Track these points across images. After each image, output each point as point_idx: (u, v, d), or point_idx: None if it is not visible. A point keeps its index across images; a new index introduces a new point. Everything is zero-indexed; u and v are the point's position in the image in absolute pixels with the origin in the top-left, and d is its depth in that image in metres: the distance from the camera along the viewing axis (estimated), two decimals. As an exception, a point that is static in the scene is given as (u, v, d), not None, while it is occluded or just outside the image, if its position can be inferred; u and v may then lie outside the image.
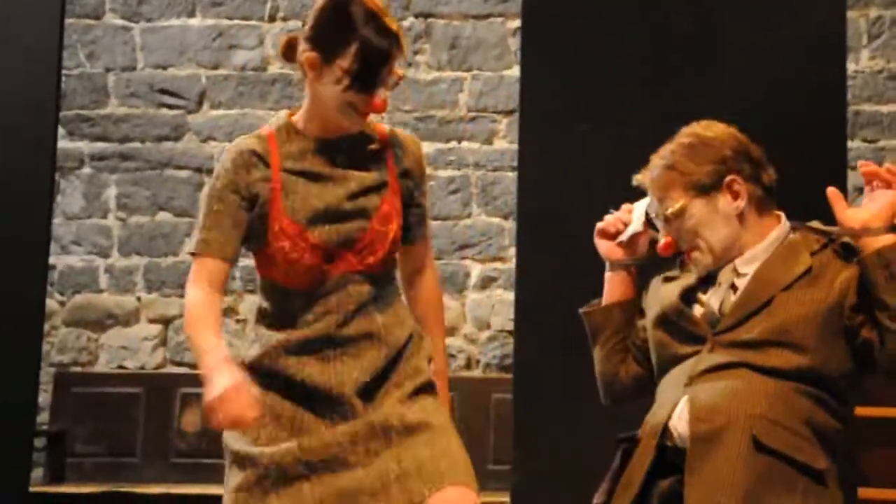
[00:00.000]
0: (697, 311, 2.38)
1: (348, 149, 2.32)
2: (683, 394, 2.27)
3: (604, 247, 2.53)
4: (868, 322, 2.26)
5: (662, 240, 2.40)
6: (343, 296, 2.27)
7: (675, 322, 2.38)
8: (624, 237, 2.51)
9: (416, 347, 2.33)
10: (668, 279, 2.50)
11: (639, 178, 2.47)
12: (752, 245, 2.39)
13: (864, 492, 3.09)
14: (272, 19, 5.17)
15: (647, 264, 2.54)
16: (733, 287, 2.37)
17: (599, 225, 2.53)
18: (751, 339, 2.28)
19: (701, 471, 2.18)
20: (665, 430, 2.25)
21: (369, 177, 2.31)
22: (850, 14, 4.60)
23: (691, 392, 2.25)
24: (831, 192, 2.30)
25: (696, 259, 2.38)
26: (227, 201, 2.26)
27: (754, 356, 2.27)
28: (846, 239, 2.33)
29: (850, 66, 4.64)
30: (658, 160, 2.43)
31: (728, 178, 2.38)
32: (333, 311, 2.26)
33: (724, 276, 2.40)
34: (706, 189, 2.37)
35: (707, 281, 2.42)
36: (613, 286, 2.54)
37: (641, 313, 2.54)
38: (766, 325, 2.28)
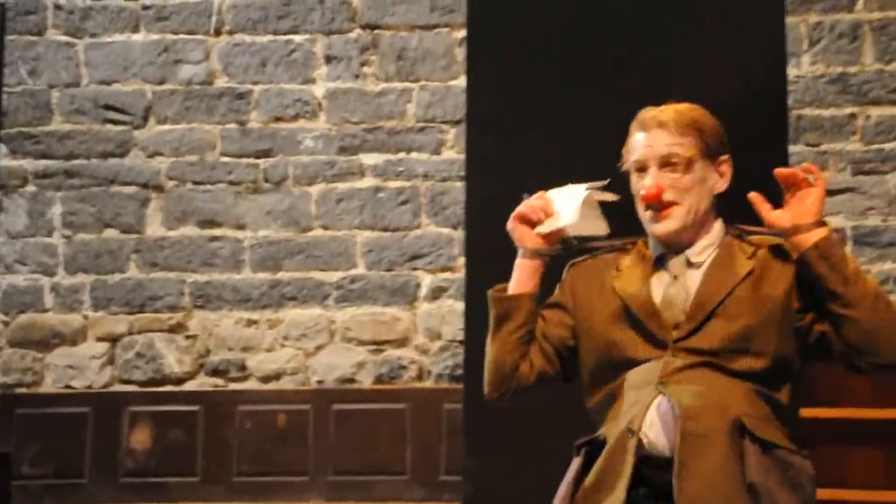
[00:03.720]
0: (657, 303, 2.35)
1: None
2: (655, 395, 2.24)
3: (522, 232, 2.43)
4: (817, 318, 2.27)
5: (650, 185, 2.33)
6: None
7: (638, 322, 2.33)
8: (552, 227, 2.42)
9: None
10: (604, 271, 2.44)
11: (649, 114, 2.38)
12: (702, 236, 2.39)
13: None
14: (218, 33, 5.13)
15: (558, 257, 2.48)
16: (687, 281, 2.35)
17: (520, 210, 2.43)
18: (711, 347, 2.27)
19: (695, 470, 2.15)
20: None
21: None
22: (791, 20, 4.65)
23: (667, 392, 2.23)
24: (753, 196, 2.31)
25: (670, 216, 2.34)
26: None
27: (718, 360, 2.27)
28: (776, 241, 2.35)
29: (792, 72, 4.69)
30: (674, 108, 2.39)
31: (723, 157, 2.38)
32: None
33: (678, 267, 2.38)
34: (711, 155, 2.34)
35: (657, 270, 2.39)
36: (524, 275, 2.42)
37: (557, 307, 2.47)
38: (726, 333, 2.26)
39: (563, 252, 2.44)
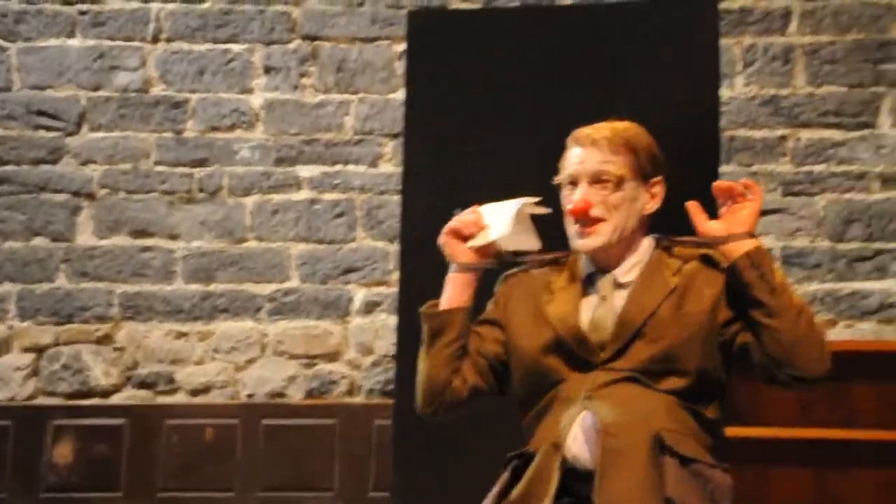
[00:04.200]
0: (584, 327, 2.36)
1: None
2: (581, 409, 2.26)
3: (454, 247, 2.44)
4: (741, 329, 2.31)
5: (578, 199, 2.34)
6: None
7: (568, 349, 2.35)
8: (484, 241, 2.42)
9: None
10: (535, 288, 2.45)
11: (584, 132, 2.40)
12: (629, 255, 2.42)
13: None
14: (155, 40, 5.08)
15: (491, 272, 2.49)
16: (614, 302, 2.37)
17: (452, 225, 2.44)
18: (635, 367, 2.30)
19: (614, 484, 2.17)
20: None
21: None
22: (726, 42, 4.71)
23: (592, 407, 2.25)
24: (691, 204, 2.35)
25: (596, 232, 2.36)
26: None
27: (642, 377, 2.29)
28: (707, 251, 2.38)
29: (726, 93, 4.75)
30: (610, 126, 2.41)
31: (657, 178, 2.40)
32: None
33: (605, 288, 2.40)
34: (644, 175, 2.39)
35: (586, 291, 2.41)
36: (457, 289, 2.43)
37: (491, 323, 2.48)
38: (650, 353, 2.30)
39: (495, 266, 2.45)
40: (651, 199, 2.41)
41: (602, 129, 2.42)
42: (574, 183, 2.39)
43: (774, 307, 2.25)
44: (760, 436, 3.88)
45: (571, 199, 2.37)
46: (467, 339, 2.43)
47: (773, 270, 2.30)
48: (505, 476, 2.33)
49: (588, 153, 2.38)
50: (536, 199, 2.45)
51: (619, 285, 2.39)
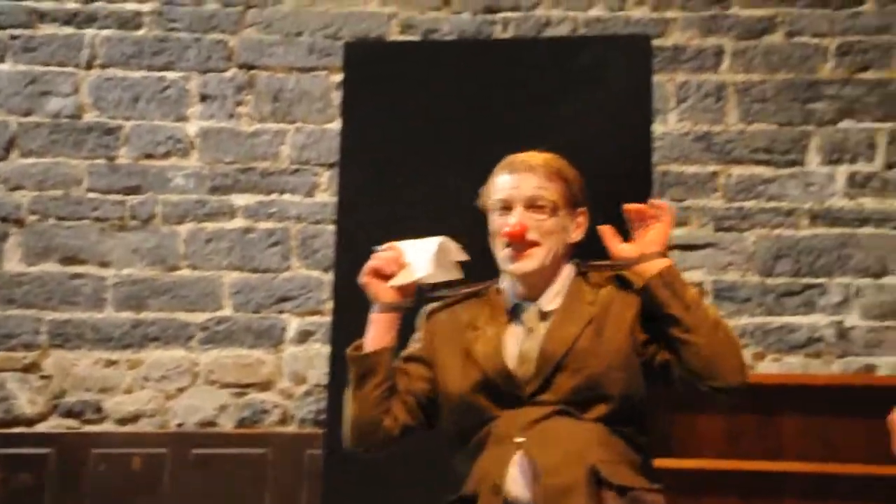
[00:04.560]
0: (512, 362, 2.38)
1: None
2: (514, 449, 2.27)
3: (376, 287, 2.43)
4: (660, 347, 2.35)
5: (516, 222, 2.36)
6: None
7: (496, 387, 2.37)
8: (408, 279, 2.43)
9: None
10: (460, 322, 2.46)
11: (519, 158, 2.43)
12: (553, 282, 2.45)
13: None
14: (89, 66, 5.03)
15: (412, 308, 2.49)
16: (539, 333, 2.40)
17: (372, 264, 2.44)
18: (561, 398, 2.32)
19: None
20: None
21: None
22: (659, 78, 4.78)
23: (525, 447, 2.26)
24: (604, 228, 2.39)
25: (531, 255, 2.38)
26: None
27: (570, 408, 2.31)
28: (622, 273, 2.42)
29: (659, 128, 4.82)
30: (543, 155, 2.44)
31: (582, 209, 2.44)
32: None
33: (531, 320, 2.42)
34: (571, 204, 2.42)
35: (512, 321, 2.43)
36: (382, 329, 2.43)
37: (417, 361, 2.49)
38: (573, 384, 2.32)
39: (418, 303, 2.45)
40: (577, 229, 2.45)
41: (536, 157, 2.45)
42: (507, 207, 2.41)
43: (690, 323, 2.30)
44: (691, 467, 3.92)
45: (506, 222, 2.40)
46: (394, 377, 2.44)
47: (685, 286, 2.35)
48: None
49: (523, 178, 2.41)
50: (456, 245, 2.47)
51: (543, 315, 2.42)
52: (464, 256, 2.46)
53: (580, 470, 2.24)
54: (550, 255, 2.41)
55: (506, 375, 2.35)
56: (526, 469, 2.26)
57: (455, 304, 2.50)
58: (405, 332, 2.51)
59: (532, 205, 2.40)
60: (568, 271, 2.47)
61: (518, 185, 2.41)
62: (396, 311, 2.44)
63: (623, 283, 2.43)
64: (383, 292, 2.42)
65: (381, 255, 2.43)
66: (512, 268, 2.40)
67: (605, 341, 2.35)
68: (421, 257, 2.42)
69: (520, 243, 2.38)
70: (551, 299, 2.43)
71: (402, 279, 2.41)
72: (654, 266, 2.34)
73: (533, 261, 2.39)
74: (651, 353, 2.36)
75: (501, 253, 2.42)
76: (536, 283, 2.43)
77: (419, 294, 2.45)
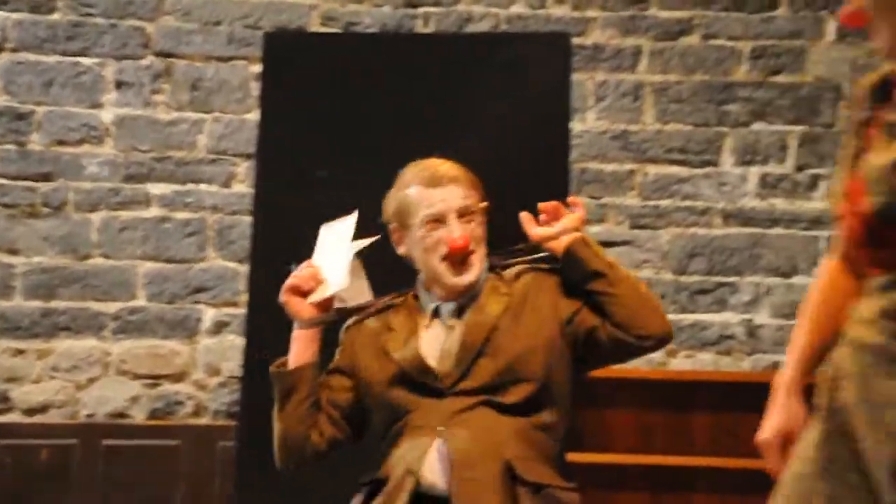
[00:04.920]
0: (431, 360, 2.42)
1: None
2: (434, 437, 2.30)
3: (294, 304, 2.47)
4: (586, 315, 2.40)
5: (459, 235, 2.40)
6: None
7: (415, 381, 2.39)
8: (324, 295, 2.46)
9: None
10: (378, 330, 2.50)
11: (439, 171, 2.45)
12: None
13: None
14: (0, 50, 4.92)
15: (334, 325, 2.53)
16: (458, 329, 2.44)
17: (291, 282, 2.47)
18: (482, 385, 2.35)
19: None
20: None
21: None
22: (579, 76, 4.83)
23: (445, 436, 2.29)
24: (523, 215, 2.45)
25: (470, 264, 2.43)
26: None
27: (492, 396, 2.35)
28: (539, 258, 2.48)
29: (578, 126, 4.86)
30: (451, 163, 2.48)
31: (483, 204, 2.49)
32: None
33: (450, 318, 2.46)
34: (483, 206, 2.47)
35: (433, 318, 2.47)
36: (303, 345, 2.48)
37: (339, 372, 2.52)
38: (493, 369, 2.37)
39: (336, 318, 2.48)
40: (485, 226, 2.51)
41: (451, 167, 2.50)
42: (439, 221, 2.45)
43: (613, 277, 2.38)
44: (603, 462, 3.97)
45: (445, 236, 2.43)
46: (319, 393, 2.46)
47: (602, 250, 2.43)
48: (358, 500, 2.36)
49: (449, 190, 2.46)
50: (369, 242, 2.50)
51: (460, 312, 2.45)
52: (372, 238, 2.50)
53: (496, 465, 2.28)
54: (482, 262, 2.46)
55: (421, 367, 2.38)
56: (444, 458, 2.29)
57: (373, 314, 2.53)
58: (329, 347, 2.53)
59: (463, 214, 2.45)
60: (485, 268, 2.52)
61: (445, 196, 2.46)
62: (317, 326, 2.47)
63: (538, 271, 2.49)
64: (302, 309, 2.46)
65: (299, 273, 2.46)
66: (458, 280, 2.45)
67: (524, 325, 2.40)
68: (335, 272, 2.45)
69: (465, 255, 2.42)
70: (469, 296, 2.47)
71: (319, 295, 2.45)
72: (575, 235, 2.41)
73: (473, 270, 2.45)
74: (577, 323, 2.41)
75: (440, 267, 2.45)
76: (471, 288, 2.47)
77: (339, 311, 2.48)
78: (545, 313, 2.42)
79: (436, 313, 2.49)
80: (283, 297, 2.47)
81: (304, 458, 2.47)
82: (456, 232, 2.43)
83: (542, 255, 2.48)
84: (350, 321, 2.57)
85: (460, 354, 2.39)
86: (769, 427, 1.94)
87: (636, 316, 2.37)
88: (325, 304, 2.48)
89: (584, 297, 2.41)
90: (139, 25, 4.97)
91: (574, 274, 2.41)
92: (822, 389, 1.74)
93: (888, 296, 1.68)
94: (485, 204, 2.49)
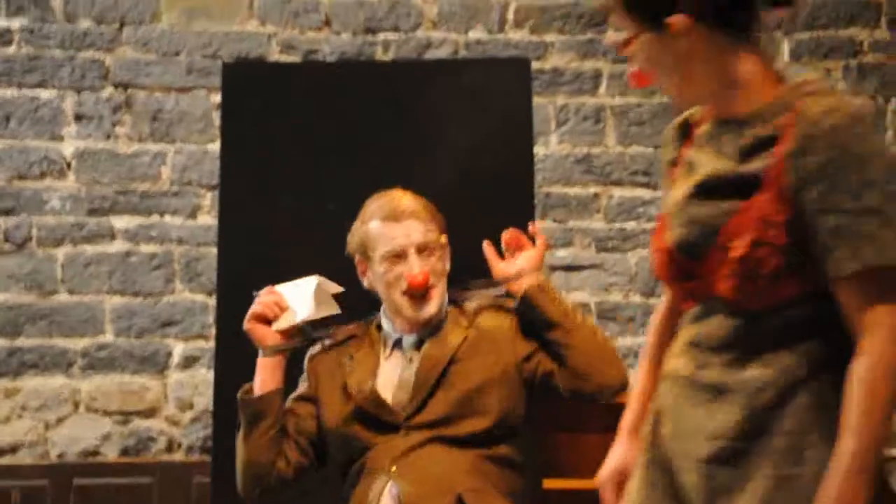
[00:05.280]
0: (388, 391, 2.43)
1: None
2: (387, 479, 2.31)
3: (259, 332, 2.49)
4: (542, 358, 2.41)
5: (419, 271, 2.41)
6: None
7: (369, 415, 2.41)
8: (290, 322, 2.48)
9: None
10: (340, 360, 2.50)
11: (400, 206, 2.46)
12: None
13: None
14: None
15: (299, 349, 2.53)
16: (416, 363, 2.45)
17: (255, 310, 2.49)
18: (436, 418, 2.36)
19: None
20: None
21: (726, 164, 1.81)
22: (540, 100, 4.85)
23: (395, 476, 2.30)
24: (486, 246, 2.48)
25: (430, 298, 2.45)
26: None
27: (445, 430, 2.36)
28: (498, 293, 2.50)
29: (541, 150, 4.89)
30: (411, 196, 2.49)
31: (445, 238, 2.50)
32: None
33: (410, 350, 2.47)
34: (444, 240, 2.49)
35: (392, 354, 2.48)
36: (268, 372, 2.50)
37: (305, 400, 2.53)
38: (447, 402, 2.38)
39: (302, 344, 2.49)
40: (448, 260, 2.52)
41: (411, 201, 2.52)
42: (399, 256, 2.46)
43: (569, 325, 2.39)
44: (578, 487, 3.95)
45: (405, 271, 2.45)
46: (285, 419, 2.47)
47: (560, 296, 2.44)
48: None
49: (409, 225, 2.49)
50: (330, 282, 2.51)
51: (419, 345, 2.47)
52: (339, 288, 2.50)
53: (447, 499, 2.28)
54: (443, 295, 2.48)
55: (377, 403, 2.40)
56: (395, 498, 2.30)
57: (337, 344, 2.54)
58: (294, 374, 2.53)
59: (423, 249, 2.47)
60: (445, 300, 2.53)
61: (406, 232, 2.49)
62: (281, 353, 2.48)
63: (497, 308, 2.50)
64: (267, 336, 2.48)
65: (262, 300, 2.47)
66: (419, 314, 2.48)
67: (481, 359, 2.42)
68: (301, 299, 2.47)
69: (425, 290, 2.45)
70: (430, 329, 2.48)
71: (284, 322, 2.46)
72: (532, 279, 2.43)
73: (433, 304, 2.48)
74: (533, 366, 2.42)
75: (400, 300, 2.48)
76: (431, 321, 2.49)
77: (304, 335, 2.49)
78: (503, 348, 2.44)
79: (397, 344, 2.51)
80: (247, 324, 2.49)
81: (269, 484, 2.49)
82: (415, 268, 2.45)
83: (502, 289, 2.50)
84: (314, 350, 2.58)
85: (416, 387, 2.40)
86: (606, 467, 2.03)
87: (592, 366, 2.39)
88: (290, 331, 2.49)
89: (543, 337, 2.43)
90: (97, 57, 4.96)
91: (531, 319, 2.43)
92: (647, 423, 1.82)
93: (696, 326, 1.75)
94: (444, 238, 2.51)
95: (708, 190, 1.78)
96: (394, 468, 2.34)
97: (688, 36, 1.79)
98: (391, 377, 2.46)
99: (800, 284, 1.69)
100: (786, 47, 5.01)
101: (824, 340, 1.69)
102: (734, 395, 1.71)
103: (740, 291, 1.71)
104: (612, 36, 1.92)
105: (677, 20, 1.78)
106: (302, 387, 2.57)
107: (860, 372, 1.62)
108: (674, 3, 1.80)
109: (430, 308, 2.48)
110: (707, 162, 1.82)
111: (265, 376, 2.50)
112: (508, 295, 2.51)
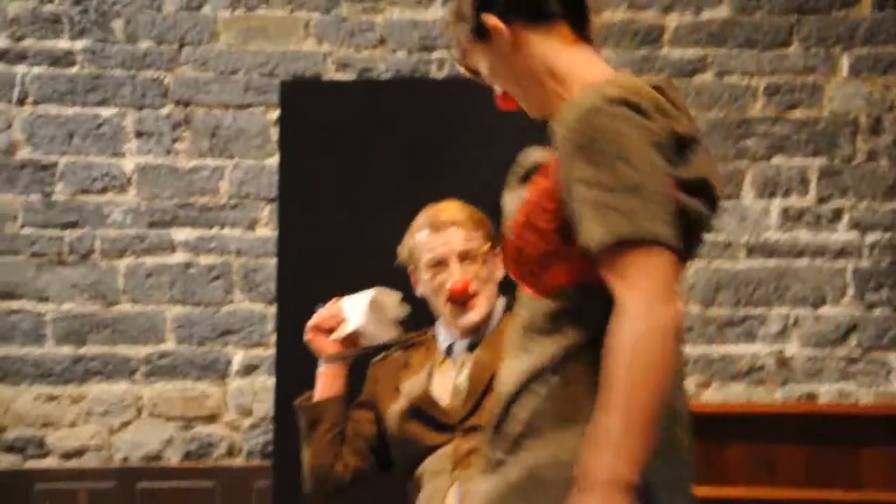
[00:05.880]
0: (444, 396, 2.50)
1: None
2: (451, 481, 2.37)
3: (318, 342, 2.59)
4: None
5: (458, 279, 2.47)
6: None
7: (424, 415, 2.47)
8: (344, 332, 2.58)
9: None
10: (399, 366, 2.58)
11: (441, 216, 2.53)
12: (489, 322, 2.57)
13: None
14: (21, 103, 5.03)
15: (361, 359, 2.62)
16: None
17: (313, 321, 2.59)
18: None
19: None
20: None
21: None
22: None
23: (459, 478, 2.35)
24: None
25: (473, 306, 2.49)
26: None
27: None
28: None
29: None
30: (459, 205, 2.54)
31: (499, 248, 2.56)
32: None
33: (463, 355, 2.53)
34: (493, 247, 2.53)
35: (445, 360, 2.55)
36: (328, 380, 2.59)
37: (363, 406, 2.61)
38: None
39: (361, 353, 2.57)
40: (500, 268, 2.57)
41: (456, 210, 2.58)
42: (441, 264, 2.53)
43: None
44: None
45: (446, 279, 2.52)
46: (344, 425, 2.55)
47: None
48: None
49: (451, 234, 2.54)
50: (395, 295, 2.60)
51: (472, 349, 2.53)
52: (401, 311, 2.59)
53: None
54: (490, 300, 2.53)
55: (430, 403, 2.46)
56: (460, 500, 2.36)
57: (396, 351, 2.63)
58: (357, 383, 2.63)
59: (465, 257, 2.53)
60: (500, 306, 2.59)
61: (447, 240, 2.54)
62: (340, 362, 2.57)
63: None
64: (326, 346, 2.57)
65: (321, 312, 2.56)
66: (461, 322, 2.53)
67: None
68: (355, 310, 2.56)
69: (465, 297, 2.50)
70: (481, 334, 2.55)
71: (341, 332, 2.56)
72: None
73: (477, 311, 2.52)
74: None
75: (445, 308, 2.54)
76: (481, 329, 2.55)
77: (363, 347, 2.59)
78: None
79: (449, 351, 2.57)
80: (308, 335, 2.57)
81: (329, 487, 2.56)
82: (456, 275, 2.50)
83: None
84: (376, 357, 2.65)
85: (469, 391, 2.46)
86: None
87: None
88: (349, 342, 2.57)
89: None
90: (157, 76, 5.08)
91: None
92: None
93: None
94: (487, 245, 2.54)
95: (523, 181, 1.78)
96: (456, 471, 2.40)
97: (507, 38, 1.76)
98: (445, 383, 2.52)
99: (570, 273, 1.65)
100: (845, 63, 5.03)
101: (588, 329, 1.63)
102: (501, 383, 1.73)
103: (517, 277, 1.71)
104: (455, 55, 1.89)
105: (490, 20, 1.76)
106: (362, 394, 2.66)
107: (611, 344, 1.54)
108: (489, 4, 1.77)
109: (473, 316, 2.53)
110: (532, 155, 1.82)
111: (324, 384, 2.57)
112: None
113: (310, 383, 3.03)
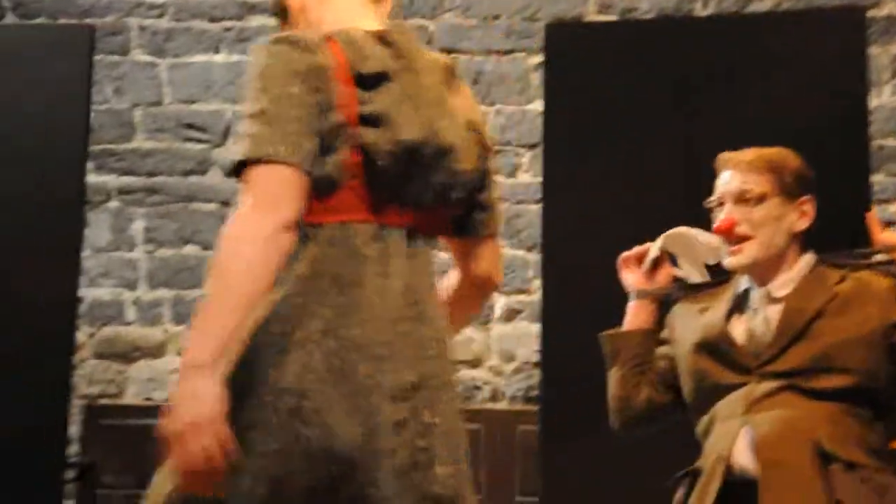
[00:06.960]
0: (738, 338, 2.46)
1: None
2: (741, 423, 2.34)
3: (628, 276, 2.63)
4: None
5: (723, 218, 2.46)
6: None
7: (719, 350, 2.44)
8: (646, 265, 2.59)
9: None
10: (699, 307, 2.56)
11: (726, 156, 2.53)
12: (783, 271, 2.48)
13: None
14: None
15: (666, 300, 2.61)
16: (767, 314, 2.45)
17: (623, 254, 2.63)
18: (794, 367, 2.36)
19: (778, 495, 2.23)
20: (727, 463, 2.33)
21: None
22: (873, 50, 4.62)
23: (751, 422, 2.32)
24: (869, 215, 2.43)
25: (744, 249, 2.46)
26: None
27: (802, 381, 2.35)
28: (880, 258, 2.43)
29: (873, 102, 4.65)
30: (755, 150, 2.52)
31: (805, 197, 2.48)
32: None
33: (758, 301, 2.47)
34: (788, 194, 2.49)
35: (740, 305, 2.50)
36: (635, 314, 2.64)
37: (662, 343, 2.61)
38: (807, 354, 2.36)
39: (669, 292, 2.57)
40: (800, 218, 2.48)
41: (746, 153, 2.53)
42: (721, 204, 2.50)
43: None
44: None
45: (718, 217, 2.49)
46: (647, 358, 2.58)
47: None
48: (680, 494, 2.43)
49: (731, 175, 2.50)
50: (709, 237, 2.56)
51: (772, 300, 2.46)
52: (711, 254, 2.55)
53: (804, 444, 2.27)
54: (765, 246, 2.46)
55: (728, 341, 2.43)
56: (751, 442, 2.31)
57: (700, 294, 2.61)
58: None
59: (740, 199, 2.47)
60: (806, 261, 2.50)
61: (725, 181, 2.52)
62: (648, 297, 2.59)
63: (872, 276, 2.44)
64: (633, 280, 2.61)
65: (637, 248, 2.60)
66: (728, 262, 2.49)
67: (849, 317, 2.37)
68: (664, 240, 2.57)
69: (731, 238, 2.46)
70: (781, 285, 2.47)
71: (647, 261, 2.58)
72: None
73: (746, 255, 2.47)
74: None
75: (723, 248, 2.52)
76: (761, 273, 2.48)
77: (673, 287, 2.59)
78: (874, 309, 2.37)
79: (745, 295, 2.53)
80: (620, 269, 2.63)
81: (626, 418, 2.62)
82: (723, 215, 2.47)
83: (880, 261, 2.44)
84: (680, 298, 2.67)
85: (779, 333, 2.40)
86: None
87: None
88: (661, 279, 2.60)
89: None
90: (423, 24, 5.16)
91: None
92: None
93: None
94: (767, 189, 2.46)
95: None
96: (747, 414, 2.36)
97: None
98: (739, 327, 2.49)
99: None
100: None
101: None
102: None
103: None
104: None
105: None
106: (663, 330, 2.68)
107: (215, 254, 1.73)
108: None
109: (739, 259, 2.47)
110: None
111: (630, 318, 2.65)
112: (890, 263, 2.44)
113: (575, 329, 3.05)
